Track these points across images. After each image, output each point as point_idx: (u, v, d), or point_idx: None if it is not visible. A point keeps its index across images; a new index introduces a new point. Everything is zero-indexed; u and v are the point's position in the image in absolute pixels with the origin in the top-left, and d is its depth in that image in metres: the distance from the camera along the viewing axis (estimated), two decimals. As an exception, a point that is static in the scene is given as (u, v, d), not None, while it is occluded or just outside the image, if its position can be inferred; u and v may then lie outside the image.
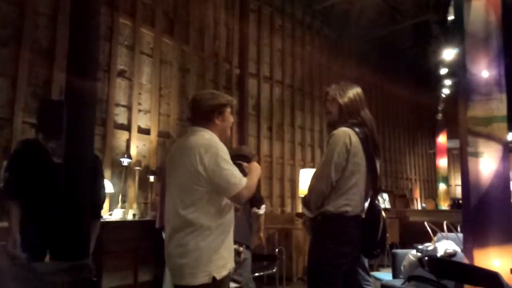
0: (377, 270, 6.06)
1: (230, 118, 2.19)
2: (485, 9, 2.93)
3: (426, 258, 2.41)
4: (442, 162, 10.91)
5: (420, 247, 3.22)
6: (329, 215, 2.18)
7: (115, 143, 4.47)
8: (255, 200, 3.82)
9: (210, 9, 5.88)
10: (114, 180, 4.32)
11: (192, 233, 1.97)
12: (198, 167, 1.96)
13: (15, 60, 3.69)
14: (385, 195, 8.17)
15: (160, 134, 4.99)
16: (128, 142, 4.60)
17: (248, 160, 3.93)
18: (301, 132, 7.57)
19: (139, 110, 4.79)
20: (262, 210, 3.91)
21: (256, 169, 2.18)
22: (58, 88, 3.89)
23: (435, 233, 3.40)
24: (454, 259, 2.90)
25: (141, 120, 4.80)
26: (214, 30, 5.95)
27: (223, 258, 2.02)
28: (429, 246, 3.16)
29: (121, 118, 4.60)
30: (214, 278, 1.96)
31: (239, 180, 1.97)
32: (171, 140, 5.06)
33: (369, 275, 3.41)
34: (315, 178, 2.26)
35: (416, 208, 11.03)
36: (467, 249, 2.75)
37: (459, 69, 3.09)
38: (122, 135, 4.57)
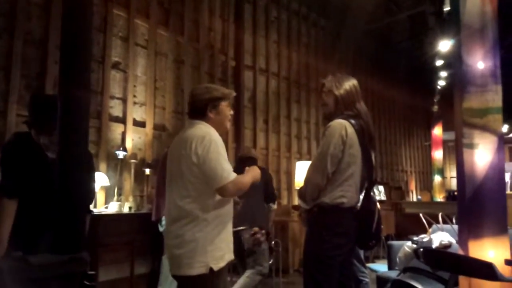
0: (373, 261, 6.11)
1: (225, 111, 2.21)
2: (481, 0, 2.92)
3: (422, 249, 2.41)
4: (438, 154, 10.95)
5: (415, 238, 3.23)
6: (325, 206, 2.18)
7: (110, 136, 4.45)
8: (271, 195, 4.21)
9: (205, 0, 5.83)
10: (109, 173, 4.31)
11: (189, 224, 2.00)
12: (192, 157, 2.01)
13: (8, 52, 3.65)
14: (381, 187, 8.20)
15: (156, 127, 4.97)
16: (123, 135, 4.57)
17: (256, 162, 4.04)
18: (297, 125, 7.57)
19: (134, 103, 4.76)
20: (275, 205, 4.31)
21: (252, 170, 2.22)
22: (52, 80, 3.85)
23: (430, 225, 3.41)
24: (449, 250, 2.92)
25: (136, 112, 4.78)
26: (209, 21, 5.90)
27: (220, 249, 2.04)
28: (424, 237, 3.18)
29: (116, 111, 4.57)
30: (211, 269, 1.99)
31: (227, 174, 1.99)
32: (167, 133, 5.05)
33: (365, 267, 3.43)
34: (311, 170, 2.26)
35: (411, 200, 11.09)
36: (462, 241, 2.76)
37: (454, 61, 3.08)
38: (117, 128, 4.55)
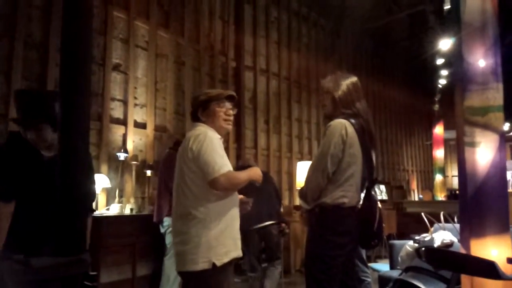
0: (375, 261, 6.10)
1: (217, 112, 2.26)
2: (481, -3, 2.92)
3: (423, 248, 2.41)
4: (439, 153, 10.93)
5: (417, 237, 3.23)
6: (326, 206, 2.18)
7: (111, 137, 4.45)
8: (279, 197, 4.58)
9: (205, 1, 5.83)
10: (110, 175, 4.31)
11: (192, 220, 2.06)
12: (189, 153, 2.10)
13: (9, 54, 3.65)
14: (382, 187, 8.19)
15: (157, 128, 4.98)
16: (124, 136, 4.58)
17: None
18: (298, 125, 7.56)
19: (135, 104, 4.77)
20: (281, 207, 4.65)
21: (252, 170, 2.28)
22: (53, 82, 3.86)
23: (432, 224, 3.41)
24: (451, 249, 2.92)
25: (137, 114, 4.78)
26: (209, 22, 5.91)
27: (225, 246, 2.08)
28: (426, 236, 3.17)
29: (117, 113, 4.57)
30: (214, 265, 2.02)
31: (219, 167, 2.03)
32: (168, 134, 5.05)
33: (367, 267, 3.43)
34: (311, 170, 2.26)
35: (413, 199, 11.08)
36: (464, 239, 2.75)
37: (455, 59, 3.08)
38: (118, 130, 4.55)
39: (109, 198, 4.28)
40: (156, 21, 5.07)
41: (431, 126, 11.40)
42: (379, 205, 2.31)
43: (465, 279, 2.49)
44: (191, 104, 2.37)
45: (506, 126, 10.21)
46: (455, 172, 11.85)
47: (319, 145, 2.35)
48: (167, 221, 3.72)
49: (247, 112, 6.41)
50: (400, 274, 2.89)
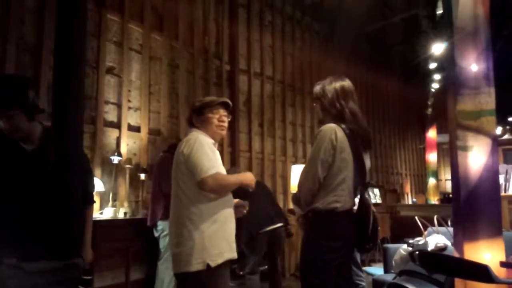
0: (369, 265, 6.11)
1: (211, 119, 2.34)
2: (473, 2, 2.94)
3: (417, 252, 2.42)
4: (432, 157, 11.00)
5: (411, 241, 3.24)
6: (319, 211, 2.19)
7: (105, 141, 4.43)
8: None
9: (199, 4, 5.83)
10: (104, 178, 4.28)
11: (186, 222, 2.11)
12: (180, 157, 2.19)
13: (1, 57, 3.62)
14: (376, 190, 8.21)
15: (151, 132, 4.96)
16: (118, 140, 4.56)
17: None
18: (292, 128, 7.58)
19: (129, 108, 4.75)
20: None
21: (242, 174, 2.36)
22: (46, 86, 3.83)
23: (426, 228, 3.42)
24: (444, 253, 2.93)
25: (131, 117, 4.76)
26: (204, 26, 5.91)
27: (219, 247, 2.12)
28: (420, 240, 3.18)
29: (111, 116, 4.55)
30: (208, 265, 2.06)
31: (206, 169, 2.09)
32: (162, 137, 5.03)
33: (361, 270, 3.43)
34: (303, 175, 2.27)
35: (406, 202, 11.12)
36: (458, 243, 2.76)
37: (448, 63, 3.10)
38: (112, 133, 4.53)
39: (103, 202, 4.25)
40: (150, 24, 5.07)
41: (424, 130, 11.48)
42: (373, 208, 2.31)
43: (458, 282, 2.50)
44: (189, 111, 2.48)
45: (498, 130, 10.30)
46: (448, 176, 11.92)
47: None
48: (161, 225, 3.70)
49: (241, 115, 6.41)
50: (394, 278, 2.90)
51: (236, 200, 2.39)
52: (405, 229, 4.87)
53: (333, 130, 2.21)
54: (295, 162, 7.21)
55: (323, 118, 2.36)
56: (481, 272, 1.82)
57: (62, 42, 2.17)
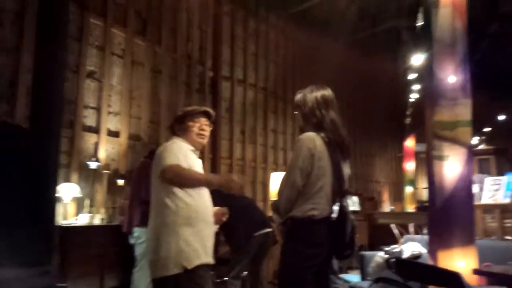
0: (346, 272, 6.14)
1: (190, 127, 2.40)
2: (452, 15, 3.03)
3: (393, 259, 2.46)
4: (409, 166, 11.17)
5: (387, 249, 3.29)
6: (297, 219, 2.20)
7: (83, 146, 4.37)
8: None
9: (183, 10, 5.83)
10: (81, 184, 4.21)
11: (162, 227, 2.14)
12: (155, 161, 2.26)
13: (-21, 59, 3.55)
14: (355, 198, 8.29)
15: (131, 137, 4.91)
16: (96, 145, 4.49)
17: (228, 196, 4.22)
18: (273, 135, 7.61)
19: (109, 112, 4.70)
20: None
21: (222, 177, 2.49)
22: (25, 89, 3.75)
23: (402, 235, 3.47)
24: (419, 260, 2.98)
25: (110, 122, 4.71)
26: (187, 31, 5.91)
27: (195, 250, 2.15)
28: (395, 248, 3.23)
29: (90, 121, 4.50)
30: (185, 268, 2.08)
31: (170, 160, 2.18)
32: (142, 143, 4.99)
33: (338, 278, 3.46)
34: (282, 184, 2.29)
35: (384, 210, 11.25)
36: (432, 251, 2.82)
37: (427, 74, 3.18)
38: (91, 138, 4.46)
39: (79, 207, 4.18)
40: (133, 28, 5.04)
41: (402, 139, 11.65)
42: (352, 216, 2.34)
43: (433, 290, 2.55)
44: (172, 120, 2.54)
45: (474, 140, 10.54)
46: (426, 184, 12.11)
47: (292, 157, 2.37)
48: (137, 231, 3.66)
49: (223, 122, 6.41)
50: (370, 285, 2.93)
51: (216, 208, 2.41)
52: (383, 236, 4.93)
53: (312, 139, 2.23)
54: (276, 170, 7.23)
55: (303, 126, 2.39)
56: (453, 279, 1.86)
57: (43, 45, 2.15)
